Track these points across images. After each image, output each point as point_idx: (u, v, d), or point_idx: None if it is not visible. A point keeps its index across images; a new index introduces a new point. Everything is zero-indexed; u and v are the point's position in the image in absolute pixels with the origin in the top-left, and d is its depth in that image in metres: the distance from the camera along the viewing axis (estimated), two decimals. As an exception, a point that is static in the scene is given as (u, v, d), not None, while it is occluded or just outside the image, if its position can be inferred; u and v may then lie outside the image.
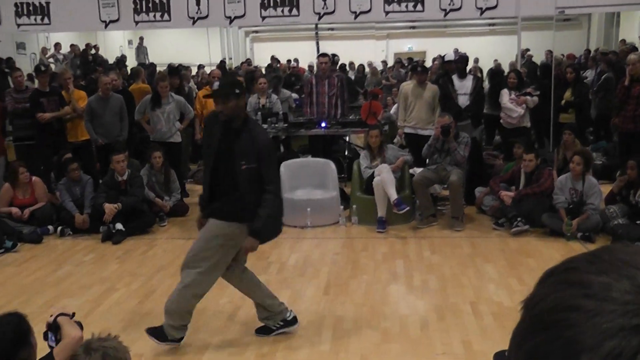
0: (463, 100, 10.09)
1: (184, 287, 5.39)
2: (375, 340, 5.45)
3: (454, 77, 10.26)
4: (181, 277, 5.45)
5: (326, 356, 5.22)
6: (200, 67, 20.31)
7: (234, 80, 6.00)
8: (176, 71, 12.71)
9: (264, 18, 10.64)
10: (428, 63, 20.29)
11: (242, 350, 5.38)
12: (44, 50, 20.91)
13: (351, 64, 23.58)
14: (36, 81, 11.69)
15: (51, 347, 3.41)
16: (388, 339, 5.46)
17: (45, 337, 3.42)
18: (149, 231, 9.22)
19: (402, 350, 5.23)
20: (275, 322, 5.61)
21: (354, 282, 6.92)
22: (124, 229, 8.95)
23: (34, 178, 9.45)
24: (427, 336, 5.48)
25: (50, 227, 9.21)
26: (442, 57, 16.70)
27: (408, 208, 8.66)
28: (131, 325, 5.99)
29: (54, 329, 3.47)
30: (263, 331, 5.62)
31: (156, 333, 5.40)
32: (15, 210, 9.14)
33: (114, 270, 7.71)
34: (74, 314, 3.69)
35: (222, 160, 5.23)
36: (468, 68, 11.48)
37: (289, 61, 23.06)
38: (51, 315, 3.56)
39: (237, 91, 5.15)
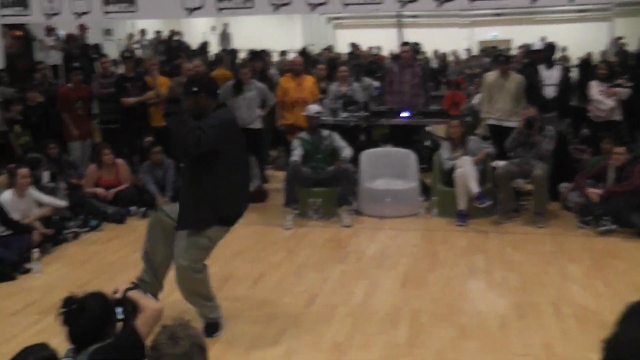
0: (549, 91, 9.88)
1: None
2: (452, 336, 5.40)
3: (541, 67, 10.06)
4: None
5: (402, 349, 5.20)
6: (283, 53, 20.38)
7: (193, 78, 5.99)
8: (259, 55, 12.79)
9: (346, 5, 10.57)
10: (514, 52, 19.89)
11: (317, 339, 5.41)
12: (130, 37, 21.35)
13: (435, 52, 23.36)
14: (121, 66, 11.93)
15: (119, 321, 3.53)
16: (465, 335, 5.40)
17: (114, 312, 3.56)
18: (228, 216, 9.31)
19: (479, 348, 5.16)
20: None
21: (432, 275, 6.87)
22: (203, 213, 9.07)
23: (118, 160, 9.70)
24: (505, 335, 5.39)
25: (133, 208, 9.46)
26: (527, 46, 16.38)
27: (490, 202, 8.55)
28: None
29: (122, 303, 3.60)
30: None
31: (210, 330, 5.50)
32: (100, 190, 9.43)
33: (192, 254, 7.81)
34: (136, 285, 3.80)
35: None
36: (555, 57, 11.21)
37: (370, 48, 22.93)
38: (115, 292, 3.68)
39: (195, 89, 5.27)
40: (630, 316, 0.71)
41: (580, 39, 24.26)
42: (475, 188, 8.48)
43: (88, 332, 3.43)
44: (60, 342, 5.01)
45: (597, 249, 7.67)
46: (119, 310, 3.59)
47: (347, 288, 6.54)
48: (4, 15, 11.63)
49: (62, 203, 8.84)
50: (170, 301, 5.73)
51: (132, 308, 3.67)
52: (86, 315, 3.43)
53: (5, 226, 7.69)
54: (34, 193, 8.49)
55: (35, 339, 5.35)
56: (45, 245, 7.94)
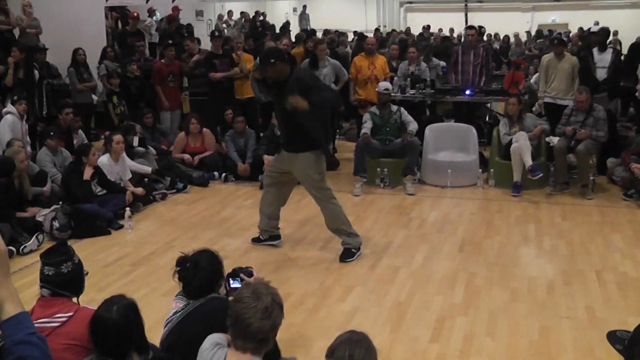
0: (601, 74, 9.68)
1: None
2: (504, 298, 5.38)
3: (594, 51, 9.84)
4: None
5: (457, 308, 5.21)
6: (356, 34, 20.26)
7: (268, 52, 6.56)
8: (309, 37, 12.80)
9: (417, -9, 10.44)
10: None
11: (380, 298, 5.45)
12: (220, 17, 21.49)
13: (496, 34, 22.91)
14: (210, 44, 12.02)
15: (233, 290, 3.68)
16: (516, 298, 5.39)
17: (228, 283, 3.79)
18: (303, 182, 9.37)
19: (528, 310, 5.14)
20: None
21: (487, 241, 6.83)
22: (280, 179, 9.14)
23: (204, 129, 9.81)
24: (552, 299, 5.35)
25: (216, 173, 9.59)
26: (582, 30, 15.91)
27: (542, 174, 8.42)
28: (282, 267, 6.20)
29: (233, 276, 3.80)
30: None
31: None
32: (187, 156, 9.59)
33: (269, 216, 7.89)
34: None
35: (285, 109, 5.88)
36: (608, 41, 10.88)
37: (440, 30, 22.61)
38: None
39: (272, 60, 5.90)
40: None
41: (632, 23, 23.57)
42: (529, 161, 8.36)
43: (203, 285, 3.59)
44: (147, 292, 5.15)
45: (639, 220, 7.52)
46: (231, 281, 3.77)
47: (409, 251, 6.55)
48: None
49: (147, 169, 8.97)
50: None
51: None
52: (200, 271, 3.59)
53: (102, 186, 7.88)
54: (126, 159, 8.65)
55: (126, 288, 5.52)
56: (137, 204, 8.14)
